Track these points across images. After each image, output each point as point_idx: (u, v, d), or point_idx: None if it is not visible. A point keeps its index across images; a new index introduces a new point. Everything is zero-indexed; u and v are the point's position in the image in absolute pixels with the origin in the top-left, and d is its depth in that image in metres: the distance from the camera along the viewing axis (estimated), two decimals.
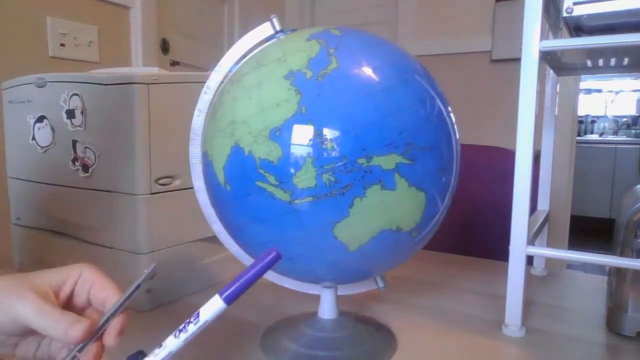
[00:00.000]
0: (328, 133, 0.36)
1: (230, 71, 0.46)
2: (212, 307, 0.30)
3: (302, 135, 0.36)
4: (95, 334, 0.35)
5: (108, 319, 0.36)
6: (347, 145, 0.36)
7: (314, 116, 0.37)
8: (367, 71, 0.39)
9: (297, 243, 0.39)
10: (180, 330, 0.30)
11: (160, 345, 0.30)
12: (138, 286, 0.38)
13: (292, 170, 0.37)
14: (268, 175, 0.37)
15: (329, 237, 0.38)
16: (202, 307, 0.30)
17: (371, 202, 0.37)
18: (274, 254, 0.30)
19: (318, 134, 0.36)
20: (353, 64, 0.39)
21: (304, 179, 0.36)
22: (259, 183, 0.38)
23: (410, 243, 0.42)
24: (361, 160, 0.36)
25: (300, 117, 0.37)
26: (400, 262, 0.44)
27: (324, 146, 0.36)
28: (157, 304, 0.58)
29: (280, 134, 0.37)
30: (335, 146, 0.36)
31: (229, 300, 0.30)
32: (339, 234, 0.38)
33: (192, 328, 0.30)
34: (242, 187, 0.39)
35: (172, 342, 0.30)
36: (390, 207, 0.38)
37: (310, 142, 0.36)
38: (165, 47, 1.89)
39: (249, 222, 0.40)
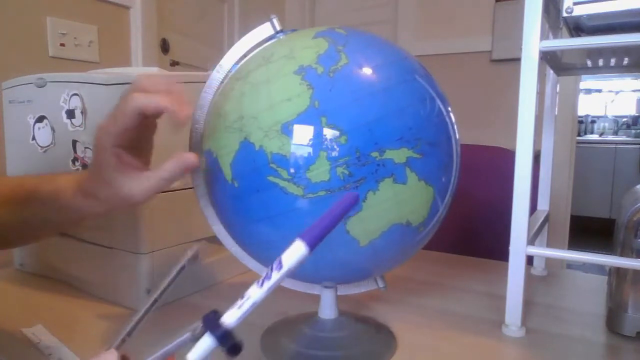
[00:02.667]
0: (341, 127, 0.36)
1: (230, 71, 0.46)
2: (295, 253, 0.28)
3: (315, 129, 0.37)
4: (134, 327, 0.36)
5: (144, 314, 0.36)
6: (360, 139, 0.37)
7: (326, 110, 0.37)
8: (377, 68, 0.40)
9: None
10: (264, 279, 0.28)
11: (243, 296, 0.28)
12: (182, 268, 0.37)
13: (306, 164, 0.36)
14: (280, 170, 0.37)
15: (341, 232, 0.38)
16: (284, 254, 0.28)
17: (384, 196, 0.37)
18: (354, 195, 0.29)
19: (331, 127, 0.36)
20: (362, 60, 0.39)
21: (318, 172, 0.36)
22: (270, 178, 0.37)
23: (416, 238, 0.42)
24: (374, 154, 0.37)
25: (313, 111, 0.37)
26: (404, 259, 0.45)
27: (337, 140, 0.36)
28: (157, 303, 0.58)
29: (292, 128, 0.37)
30: (348, 140, 0.36)
31: (312, 245, 0.28)
32: (351, 229, 0.38)
33: (275, 276, 0.28)
34: (252, 182, 0.38)
35: (256, 292, 0.28)
36: (402, 201, 0.38)
37: (324, 136, 0.36)
38: (165, 47, 1.89)
39: (257, 220, 0.40)
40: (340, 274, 0.44)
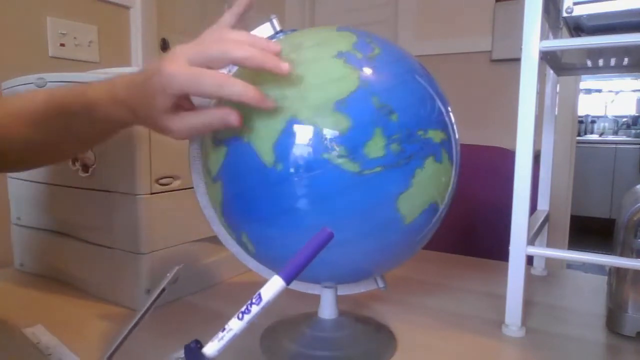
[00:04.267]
0: (391, 105, 0.38)
1: (230, 70, 0.46)
2: (273, 287, 0.30)
3: (369, 107, 0.37)
4: (116, 349, 0.35)
5: (127, 335, 0.36)
6: (408, 117, 0.39)
7: (375, 91, 0.38)
8: (406, 58, 0.42)
9: (359, 220, 0.38)
10: (244, 312, 0.30)
11: (224, 329, 0.30)
12: (163, 291, 0.38)
13: (362, 141, 0.37)
14: (336, 147, 0.37)
15: (392, 210, 0.38)
16: (263, 288, 0.30)
17: (428, 174, 0.39)
18: (328, 231, 0.31)
19: (382, 106, 0.38)
20: (392, 51, 0.42)
21: (374, 149, 0.37)
22: (325, 155, 0.37)
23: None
24: (420, 132, 0.39)
25: (364, 91, 0.38)
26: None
27: (389, 118, 0.38)
28: (157, 304, 0.58)
29: (346, 106, 0.37)
30: (399, 118, 0.38)
31: (288, 280, 0.30)
32: (400, 206, 0.39)
33: (255, 309, 0.30)
34: (303, 162, 0.37)
35: (236, 324, 0.30)
36: (439, 180, 0.41)
37: (377, 113, 0.37)
38: (165, 47, 1.89)
39: (304, 204, 0.38)
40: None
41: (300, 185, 0.37)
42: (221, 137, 0.41)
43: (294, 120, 0.37)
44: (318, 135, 0.37)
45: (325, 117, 0.37)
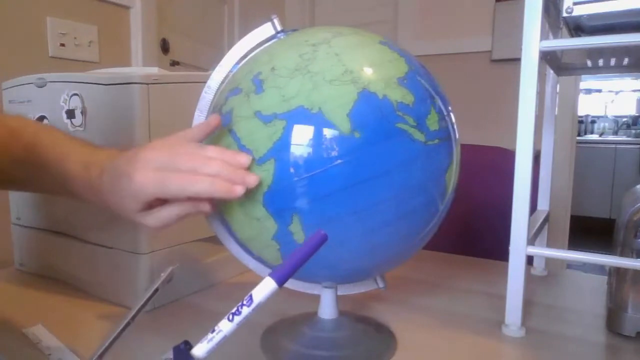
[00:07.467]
0: (431, 90, 0.42)
1: (231, 71, 0.46)
2: (265, 289, 0.30)
3: (422, 86, 0.41)
4: (108, 347, 0.35)
5: (122, 331, 0.36)
6: (442, 101, 0.43)
7: (419, 74, 0.42)
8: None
9: (419, 190, 0.40)
10: (234, 314, 0.30)
11: (213, 330, 0.30)
12: (156, 290, 0.38)
13: (424, 113, 0.40)
14: (407, 117, 0.39)
15: (442, 183, 0.42)
16: (254, 290, 0.30)
17: (458, 153, 0.43)
18: (322, 233, 0.31)
19: (428, 89, 0.42)
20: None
21: (432, 122, 0.41)
22: (399, 125, 0.39)
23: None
24: (448, 117, 0.43)
25: (414, 72, 0.42)
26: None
27: (433, 99, 0.42)
28: (157, 303, 0.58)
29: (407, 82, 0.40)
30: (437, 101, 0.42)
31: (280, 282, 0.30)
32: (448, 179, 0.42)
33: (245, 311, 0.30)
34: (379, 130, 0.38)
35: (227, 326, 0.30)
36: (459, 162, 0.44)
37: (427, 93, 0.41)
38: (165, 47, 1.89)
39: (378, 174, 0.38)
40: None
41: (378, 151, 0.38)
42: (275, 111, 0.39)
43: (367, 91, 0.39)
44: (391, 106, 0.39)
45: (394, 89, 0.39)
